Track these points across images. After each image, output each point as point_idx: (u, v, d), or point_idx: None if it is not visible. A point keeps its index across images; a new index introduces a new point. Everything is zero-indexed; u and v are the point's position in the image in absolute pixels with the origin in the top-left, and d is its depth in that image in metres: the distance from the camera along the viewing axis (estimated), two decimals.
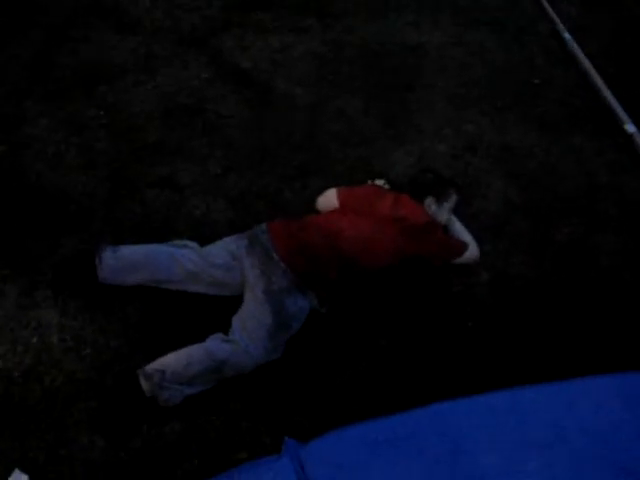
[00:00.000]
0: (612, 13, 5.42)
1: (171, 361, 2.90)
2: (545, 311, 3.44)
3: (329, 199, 3.59)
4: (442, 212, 3.57)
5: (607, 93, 4.61)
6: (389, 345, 3.25)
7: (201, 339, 3.04)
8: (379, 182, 3.76)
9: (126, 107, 4.30)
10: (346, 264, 3.20)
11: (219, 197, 3.82)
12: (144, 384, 2.87)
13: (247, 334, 2.97)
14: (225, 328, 3.07)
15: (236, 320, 3.06)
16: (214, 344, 2.96)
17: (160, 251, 3.24)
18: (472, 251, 3.55)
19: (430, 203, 3.54)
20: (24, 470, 2.76)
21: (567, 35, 5.08)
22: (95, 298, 3.29)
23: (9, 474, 2.73)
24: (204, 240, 3.43)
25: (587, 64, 4.84)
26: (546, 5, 5.37)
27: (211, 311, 3.24)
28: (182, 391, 2.91)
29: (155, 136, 4.14)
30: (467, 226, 3.69)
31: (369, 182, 3.77)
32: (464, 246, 3.53)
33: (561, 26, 5.17)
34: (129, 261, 3.21)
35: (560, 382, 2.53)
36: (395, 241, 3.30)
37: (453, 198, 3.64)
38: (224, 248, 3.24)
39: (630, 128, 4.37)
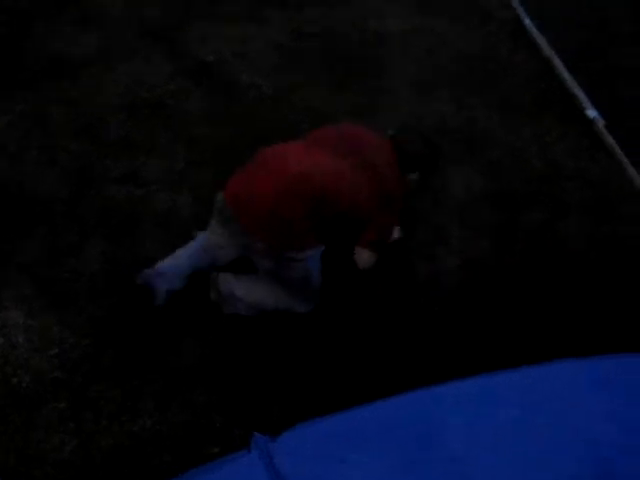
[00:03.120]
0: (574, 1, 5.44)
1: (242, 294, 3.24)
2: (512, 296, 3.48)
3: None
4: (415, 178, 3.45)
5: (569, 78, 4.65)
6: (358, 335, 3.26)
7: (170, 333, 3.04)
8: None
9: (88, 102, 4.25)
10: (310, 202, 3.08)
11: (184, 192, 3.80)
12: (214, 294, 3.28)
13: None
14: (194, 325, 3.07)
15: None
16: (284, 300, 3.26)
17: (197, 256, 3.31)
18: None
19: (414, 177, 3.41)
20: None
21: (528, 21, 5.10)
22: (60, 296, 3.26)
23: None
24: (171, 235, 3.41)
25: (549, 50, 4.87)
26: None
27: (176, 304, 3.25)
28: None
29: (118, 131, 4.10)
30: (432, 213, 3.73)
31: None
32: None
33: (523, 13, 5.19)
34: (178, 278, 3.28)
35: (528, 367, 2.55)
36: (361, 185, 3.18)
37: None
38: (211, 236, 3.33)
39: (591, 113, 4.41)
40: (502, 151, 4.20)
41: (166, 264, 3.28)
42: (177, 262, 3.29)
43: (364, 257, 3.43)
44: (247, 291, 3.27)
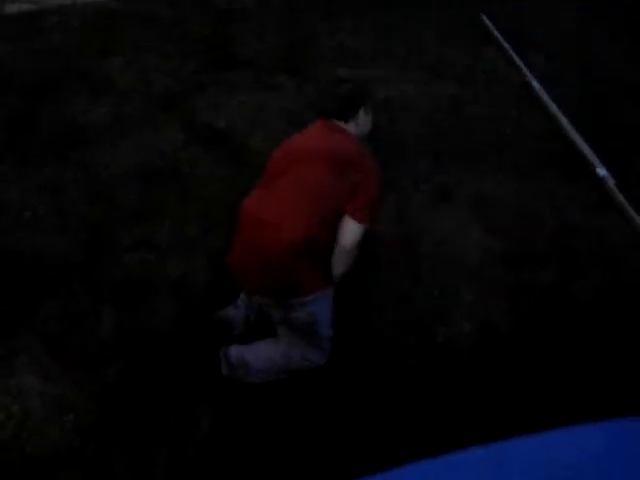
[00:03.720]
0: (579, 61, 5.54)
1: (252, 359, 3.23)
2: (527, 358, 3.44)
3: None
4: (369, 118, 3.30)
5: (577, 138, 4.70)
6: (372, 399, 3.22)
7: (184, 400, 3.01)
8: None
9: (101, 170, 4.32)
10: (298, 248, 2.95)
11: (198, 258, 3.81)
12: (225, 368, 3.25)
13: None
14: (208, 392, 3.04)
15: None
16: (296, 354, 3.22)
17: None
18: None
19: (363, 114, 3.24)
20: None
21: (536, 84, 5.18)
22: (74, 362, 3.25)
23: None
24: (185, 301, 3.41)
25: (557, 111, 4.94)
26: (514, 56, 5.48)
27: (188, 371, 3.25)
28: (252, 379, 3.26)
29: (131, 199, 4.14)
30: (446, 275, 3.72)
31: None
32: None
33: (530, 75, 5.28)
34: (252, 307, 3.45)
35: (546, 431, 2.52)
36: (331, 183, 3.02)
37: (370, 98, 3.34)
38: None
39: (601, 172, 4.44)
40: (513, 211, 4.22)
41: (240, 297, 3.45)
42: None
43: (350, 228, 3.01)
44: (257, 353, 3.26)
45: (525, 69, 5.32)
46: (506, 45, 5.57)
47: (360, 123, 3.22)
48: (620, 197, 4.29)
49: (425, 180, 4.40)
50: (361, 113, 3.21)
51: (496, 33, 5.66)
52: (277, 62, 5.24)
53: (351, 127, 3.20)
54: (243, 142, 4.55)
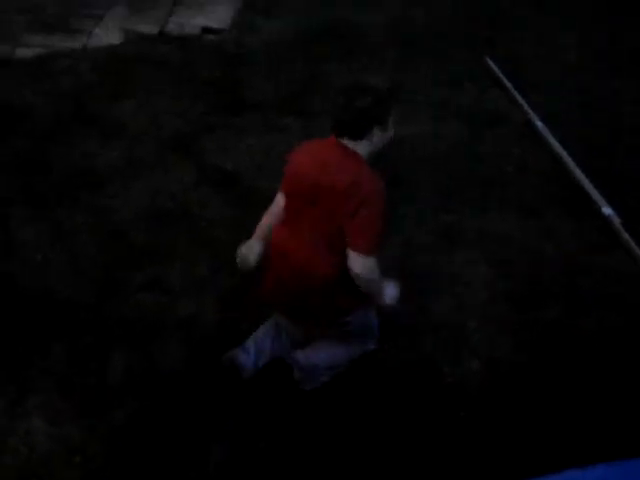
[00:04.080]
0: (581, 99, 5.60)
1: (319, 359, 3.40)
2: (535, 396, 3.45)
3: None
4: (387, 134, 3.12)
5: (581, 177, 4.74)
6: (382, 443, 3.22)
7: (195, 441, 3.03)
8: None
9: (112, 212, 4.38)
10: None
11: (207, 298, 3.85)
12: (297, 373, 3.40)
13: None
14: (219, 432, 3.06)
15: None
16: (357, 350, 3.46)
17: (274, 331, 3.52)
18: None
19: (378, 131, 3.04)
20: None
21: (539, 123, 5.24)
22: (84, 403, 3.27)
23: None
24: (195, 342, 3.44)
25: (560, 149, 4.98)
26: (517, 96, 5.55)
27: (198, 412, 3.26)
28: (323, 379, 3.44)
29: (141, 240, 4.19)
30: (453, 314, 3.75)
31: None
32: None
33: (533, 114, 5.34)
34: (262, 353, 3.48)
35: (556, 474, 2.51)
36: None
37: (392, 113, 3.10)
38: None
39: (606, 210, 4.47)
40: (518, 249, 4.25)
41: (249, 340, 3.48)
42: (257, 337, 3.50)
43: (358, 262, 2.97)
44: (320, 353, 3.43)
45: (527, 108, 5.38)
46: (509, 85, 5.64)
47: (374, 141, 3.04)
48: (626, 236, 4.32)
49: (430, 217, 4.44)
50: (376, 130, 3.01)
51: (499, 74, 5.74)
52: (284, 104, 5.31)
53: (363, 146, 3.03)
54: (251, 185, 4.60)
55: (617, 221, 4.41)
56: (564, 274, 4.12)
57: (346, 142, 3.02)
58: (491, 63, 5.88)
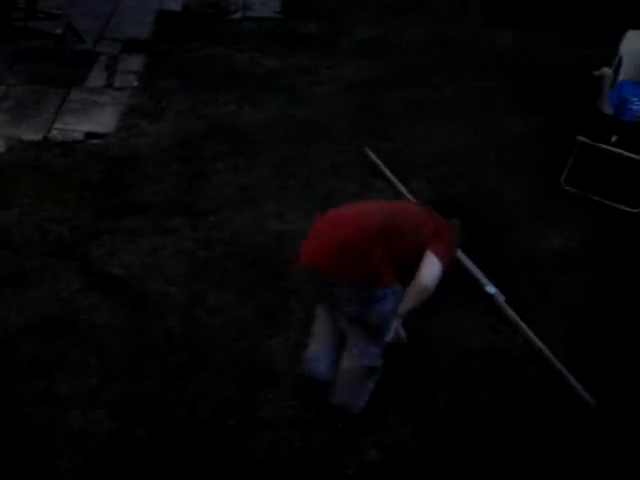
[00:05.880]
0: (464, 182, 5.79)
1: (346, 396, 3.71)
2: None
3: None
4: None
5: (467, 261, 4.87)
6: None
7: None
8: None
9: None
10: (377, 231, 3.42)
11: (98, 408, 3.75)
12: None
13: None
14: None
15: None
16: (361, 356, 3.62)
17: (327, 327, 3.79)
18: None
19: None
20: None
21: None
22: None
23: None
24: (88, 454, 3.33)
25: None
26: (398, 184, 5.68)
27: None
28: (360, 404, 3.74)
29: (29, 351, 4.08)
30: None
31: None
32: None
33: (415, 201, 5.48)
34: (328, 349, 3.80)
35: None
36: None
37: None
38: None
39: (490, 289, 4.63)
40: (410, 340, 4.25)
41: (311, 347, 3.83)
42: (316, 339, 3.82)
43: (434, 266, 3.40)
44: (344, 389, 3.71)
45: (409, 195, 5.50)
46: (389, 174, 5.76)
47: None
48: (511, 312, 4.48)
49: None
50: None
51: (380, 164, 5.88)
52: (172, 205, 5.31)
53: None
54: (141, 287, 4.55)
55: (501, 298, 4.56)
56: (458, 356, 4.21)
57: None
58: (371, 154, 5.99)
